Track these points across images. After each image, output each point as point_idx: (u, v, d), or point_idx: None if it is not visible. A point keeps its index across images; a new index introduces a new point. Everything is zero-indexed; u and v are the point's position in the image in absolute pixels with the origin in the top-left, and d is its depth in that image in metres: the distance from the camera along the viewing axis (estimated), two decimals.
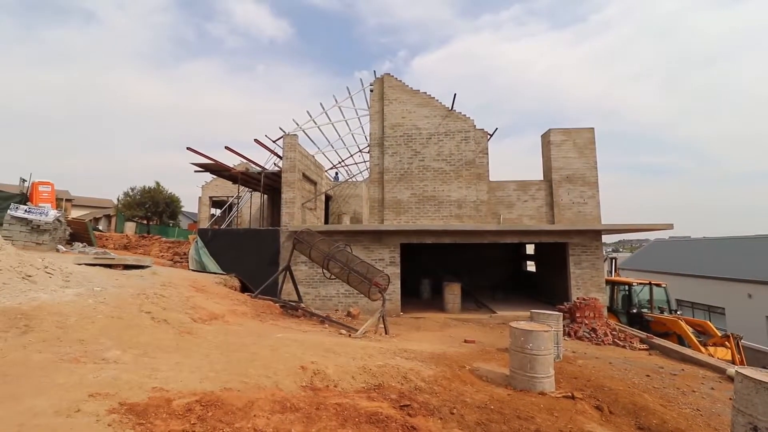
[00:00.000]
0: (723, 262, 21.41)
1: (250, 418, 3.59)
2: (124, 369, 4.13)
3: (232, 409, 3.68)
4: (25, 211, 10.25)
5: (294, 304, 9.98)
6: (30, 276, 6.13)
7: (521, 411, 4.56)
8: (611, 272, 18.62)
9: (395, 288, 11.74)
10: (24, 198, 14.54)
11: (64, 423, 2.98)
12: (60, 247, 11.03)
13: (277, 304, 9.66)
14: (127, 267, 8.66)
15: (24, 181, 16.95)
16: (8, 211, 10.24)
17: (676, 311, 14.50)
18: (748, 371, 3.85)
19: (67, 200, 29.70)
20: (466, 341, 8.77)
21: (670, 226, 11.75)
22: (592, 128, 12.68)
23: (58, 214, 10.89)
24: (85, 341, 4.62)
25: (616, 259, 18.54)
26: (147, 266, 9.44)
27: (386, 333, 8.42)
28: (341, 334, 7.91)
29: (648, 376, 6.90)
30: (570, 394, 5.25)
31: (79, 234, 13.23)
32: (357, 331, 7.85)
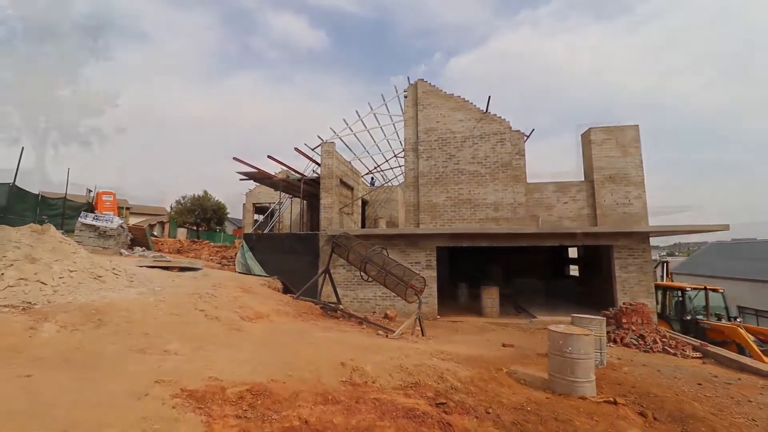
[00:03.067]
0: None
1: (295, 407, 3.86)
2: (184, 360, 4.56)
3: (279, 399, 3.97)
4: (94, 218, 11.35)
5: (333, 305, 10.33)
6: (100, 276, 6.84)
7: (559, 413, 4.54)
8: (663, 277, 17.61)
9: (432, 291, 11.81)
10: (90, 207, 16.03)
11: (136, 404, 3.38)
12: (122, 250, 12.09)
13: (318, 306, 10.04)
14: (181, 269, 9.36)
15: (89, 191, 18.62)
16: (78, 219, 11.39)
17: (735, 318, 13.49)
18: None
19: (126, 208, 32.22)
20: (504, 345, 8.69)
21: (726, 227, 11.01)
22: (637, 125, 12.15)
23: (121, 222, 11.95)
24: (149, 334, 5.13)
25: (667, 262, 17.51)
26: (199, 269, 10.16)
27: (423, 335, 8.54)
28: (379, 334, 8.12)
29: (699, 384, 6.54)
30: (612, 400, 5.13)
31: (138, 239, 14.40)
32: (394, 332, 8.02)
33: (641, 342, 9.72)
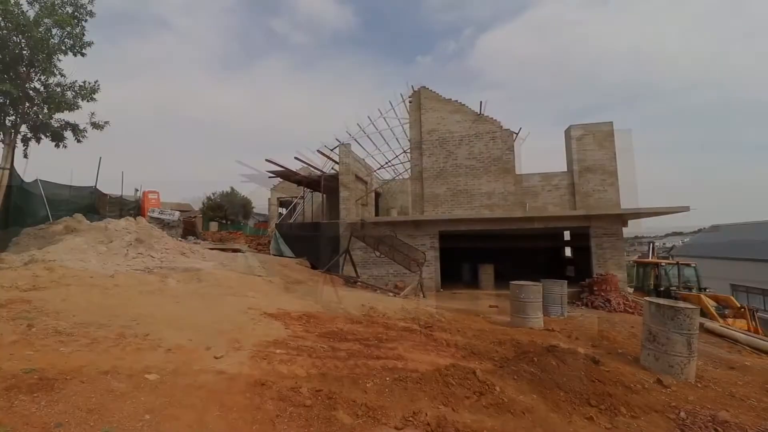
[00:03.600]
0: None
1: (334, 324, 6.23)
2: (259, 300, 6.98)
3: (323, 320, 6.35)
4: (160, 213, 14.00)
5: (353, 278, 12.72)
6: (184, 253, 9.37)
7: (508, 332, 6.78)
8: (650, 256, 19.42)
9: (435, 268, 14.05)
10: (138, 204, 18.82)
11: (243, 315, 5.80)
12: (179, 238, 14.75)
13: (340, 278, 12.45)
14: (233, 251, 11.87)
15: (137, 191, 21.46)
16: (148, 213, 14.06)
17: (705, 289, 15.32)
18: (649, 298, 5.81)
19: None
20: (490, 306, 10.92)
21: (686, 209, 12.84)
22: (611, 122, 14.01)
23: (179, 215, 14.58)
24: (232, 288, 7.58)
25: (653, 243, 19.28)
26: (244, 251, 12.67)
27: (423, 297, 10.83)
28: (389, 295, 10.47)
29: (632, 327, 8.64)
30: (550, 328, 7.33)
31: (188, 229, 17.10)
32: (400, 294, 10.35)
33: (608, 304, 11.79)
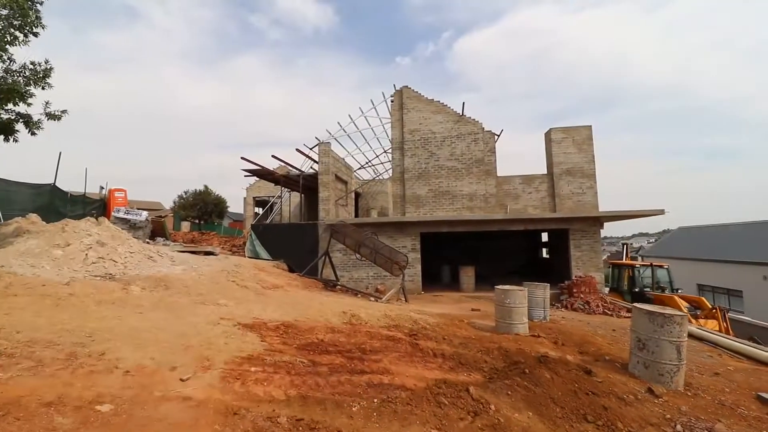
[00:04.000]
0: (740, 247, 21.97)
1: (314, 334, 5.85)
2: (232, 309, 6.51)
3: (302, 330, 5.95)
4: (125, 212, 13.15)
5: (333, 282, 12.31)
6: (151, 257, 8.74)
7: (494, 340, 6.57)
8: (623, 257, 19.88)
9: (416, 271, 13.83)
10: (103, 203, 17.75)
11: (215, 328, 5.34)
12: (147, 240, 13.91)
13: (320, 282, 12.02)
14: (206, 254, 11.25)
15: (102, 188, 20.28)
16: (113, 213, 13.17)
17: (677, 290, 15.75)
18: (639, 305, 5.73)
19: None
20: (473, 309, 10.76)
21: (661, 212, 13.13)
22: (590, 126, 14.19)
23: (147, 215, 13.75)
24: (202, 294, 7.06)
25: (627, 244, 19.74)
26: (217, 254, 12.04)
27: (405, 301, 10.56)
28: (370, 300, 10.13)
29: (614, 330, 8.65)
30: (536, 334, 7.19)
31: (157, 231, 16.19)
32: (383, 298, 10.03)
33: (587, 306, 11.87)
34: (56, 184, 12.98)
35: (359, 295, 10.97)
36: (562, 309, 12.03)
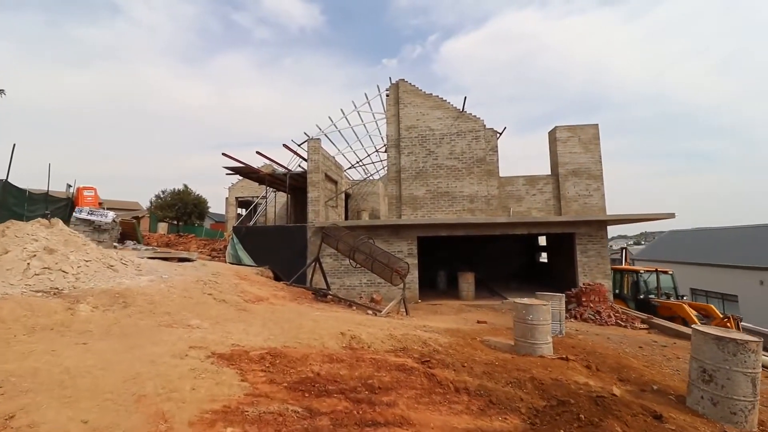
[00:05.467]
0: (735, 251, 21.71)
1: (308, 365, 4.72)
2: (207, 332, 5.32)
3: (293, 360, 4.82)
4: (89, 213, 11.71)
5: (323, 291, 11.15)
6: (112, 266, 7.44)
7: (521, 366, 5.57)
8: (623, 262, 19.30)
9: (413, 277, 12.79)
10: (70, 202, 16.16)
11: (182, 362, 4.17)
12: (115, 244, 12.48)
13: (309, 291, 10.85)
14: (180, 260, 9.96)
15: (69, 186, 18.60)
16: (74, 214, 11.71)
17: (682, 297, 15.14)
18: (700, 327, 4.80)
19: (99, 203, 31.81)
20: (478, 322, 9.78)
21: (672, 216, 12.44)
22: (596, 125, 13.42)
23: (114, 216, 12.32)
24: (171, 313, 5.85)
25: (626, 248, 19.18)
26: (194, 260, 10.76)
27: (406, 314, 9.50)
28: (368, 314, 9.03)
29: (640, 347, 7.79)
30: (564, 357, 6.23)
31: (127, 233, 14.73)
32: (381, 311, 8.95)
33: (598, 317, 11.03)
34: (9, 180, 11.45)
35: (354, 307, 9.85)
36: (572, 319, 11.16)
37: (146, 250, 12.14)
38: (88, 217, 11.56)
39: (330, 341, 5.58)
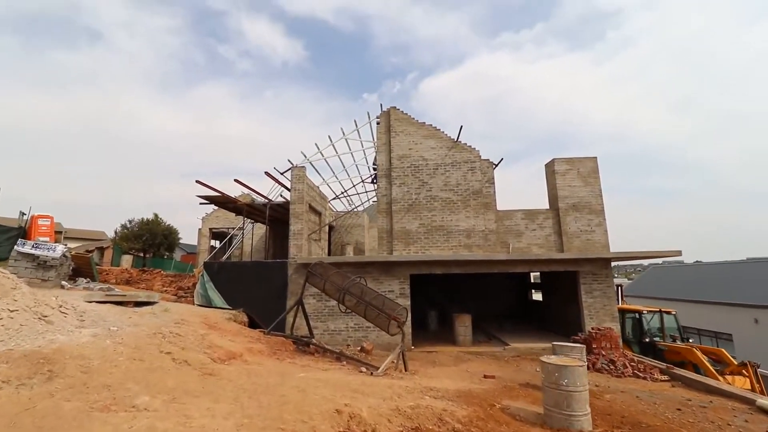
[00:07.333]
0: (726, 287, 21.46)
1: None
2: (158, 416, 3.93)
3: None
4: (33, 246, 10.06)
5: (306, 339, 9.72)
6: (46, 316, 5.94)
7: None
8: (618, 300, 18.57)
9: (407, 322, 11.52)
10: (22, 232, 14.29)
11: None
12: (64, 282, 10.76)
13: (290, 340, 9.41)
14: (137, 304, 8.44)
15: (23, 214, 16.69)
16: (15, 247, 10.04)
17: (688, 339, 14.38)
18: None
19: (57, 232, 29.22)
20: (485, 377, 8.56)
21: (678, 253, 11.83)
22: (595, 157, 12.98)
23: (64, 250, 10.69)
24: (111, 387, 4.42)
25: (621, 286, 18.51)
26: (155, 302, 9.22)
27: (405, 370, 8.20)
28: (362, 372, 7.68)
29: (679, 410, 6.73)
30: None
31: (81, 269, 12.96)
32: (377, 368, 7.63)
33: (612, 367, 9.99)
34: None
35: (344, 361, 8.47)
36: None
37: (100, 289, 10.48)
38: (32, 251, 9.91)
39: (323, 424, 4.27)
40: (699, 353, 11.64)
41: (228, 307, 11.62)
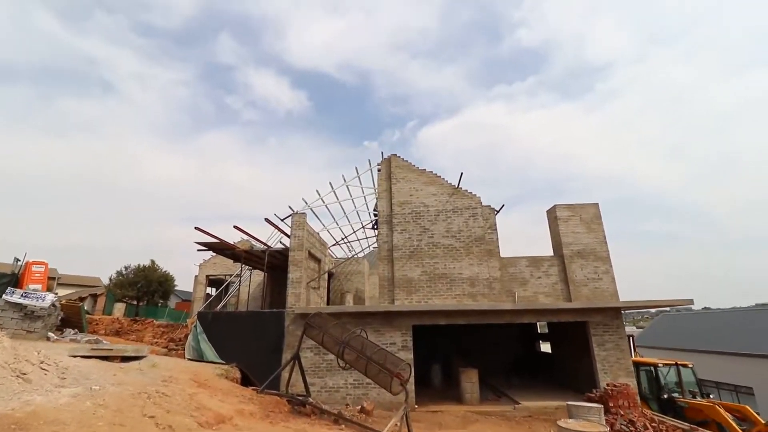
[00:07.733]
0: (742, 336, 20.61)
1: None
2: None
3: None
4: (22, 295, 9.69)
5: (301, 399, 9.06)
6: (25, 374, 5.52)
7: None
8: (631, 352, 17.70)
9: (410, 377, 10.86)
10: (15, 279, 13.91)
11: None
12: (50, 334, 10.25)
13: (284, 399, 8.77)
14: (123, 359, 7.95)
15: (18, 260, 16.38)
16: (4, 296, 9.66)
17: (708, 395, 13.53)
18: None
19: (51, 278, 28.60)
20: None
21: (690, 302, 11.44)
22: (597, 204, 12.93)
23: (53, 299, 10.30)
24: None
25: (633, 336, 17.77)
26: (144, 356, 8.72)
27: None
28: None
29: None
30: None
31: (70, 319, 12.45)
32: None
33: (632, 428, 9.24)
34: None
35: (342, 425, 7.81)
36: None
37: (87, 341, 9.96)
38: (20, 301, 9.53)
39: None
40: (723, 411, 10.87)
41: (220, 361, 11.00)
